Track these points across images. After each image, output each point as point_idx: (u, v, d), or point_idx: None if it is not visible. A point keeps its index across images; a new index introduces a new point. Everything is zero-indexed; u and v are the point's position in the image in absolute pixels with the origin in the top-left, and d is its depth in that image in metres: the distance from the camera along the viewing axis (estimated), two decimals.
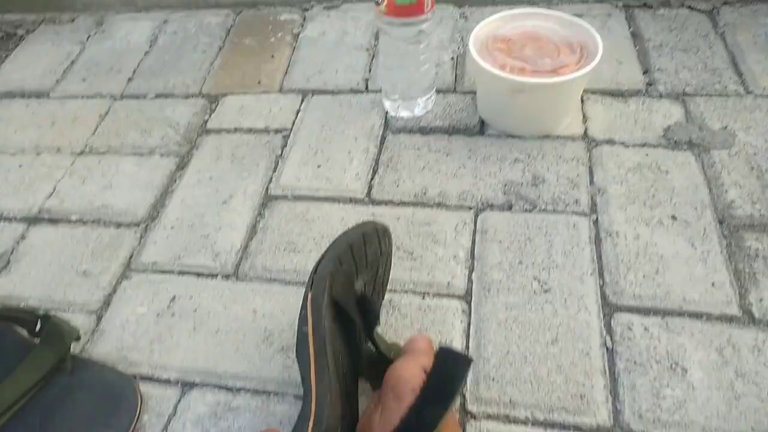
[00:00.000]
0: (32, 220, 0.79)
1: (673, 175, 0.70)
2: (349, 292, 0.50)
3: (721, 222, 0.65)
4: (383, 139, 0.81)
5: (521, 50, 0.74)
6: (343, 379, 0.47)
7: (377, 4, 0.72)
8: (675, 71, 0.83)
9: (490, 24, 0.78)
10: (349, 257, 0.50)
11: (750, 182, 0.69)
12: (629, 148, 0.74)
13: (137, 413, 0.57)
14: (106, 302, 0.68)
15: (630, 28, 0.92)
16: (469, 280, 0.64)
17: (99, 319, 0.66)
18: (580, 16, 0.93)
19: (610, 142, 0.75)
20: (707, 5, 0.94)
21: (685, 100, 0.79)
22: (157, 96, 0.95)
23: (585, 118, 0.79)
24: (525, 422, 0.53)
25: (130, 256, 0.72)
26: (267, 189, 0.77)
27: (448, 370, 0.43)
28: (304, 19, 1.06)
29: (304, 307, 0.47)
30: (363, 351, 0.51)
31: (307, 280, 0.49)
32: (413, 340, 0.50)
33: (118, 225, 0.76)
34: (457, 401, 0.55)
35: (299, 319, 0.47)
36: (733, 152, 0.72)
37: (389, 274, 0.62)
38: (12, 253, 0.75)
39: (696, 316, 0.58)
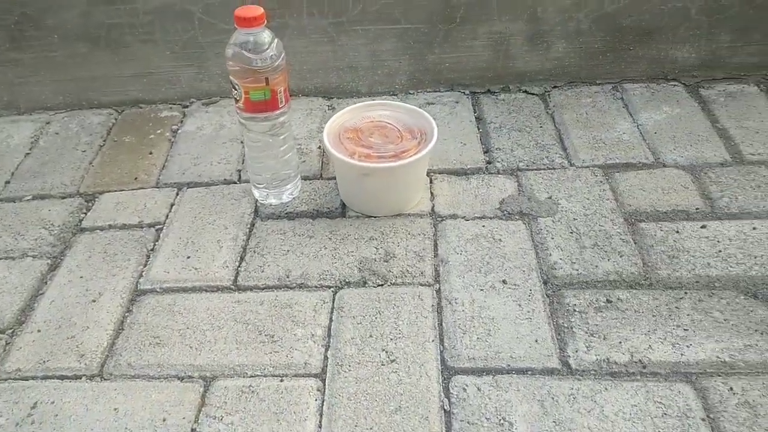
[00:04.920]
0: None
1: (505, 242, 0.78)
2: None
3: (545, 282, 0.73)
4: (252, 226, 0.86)
5: (368, 138, 0.82)
6: None
7: (236, 101, 0.78)
8: (511, 149, 0.93)
9: (343, 116, 0.86)
10: None
11: (570, 245, 0.77)
12: (469, 221, 0.82)
13: None
14: None
15: (475, 112, 1.03)
16: (325, 358, 0.68)
17: None
18: (432, 103, 1.03)
19: (453, 216, 0.83)
20: (540, 89, 1.06)
21: (518, 175, 0.88)
22: (34, 197, 0.96)
23: (433, 196, 0.86)
24: None
25: None
26: (136, 284, 0.80)
27: None
28: (184, 115, 1.11)
29: None
30: None
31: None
32: None
33: None
34: None
35: None
36: (556, 219, 0.81)
37: None
38: None
39: (521, 371, 0.64)
